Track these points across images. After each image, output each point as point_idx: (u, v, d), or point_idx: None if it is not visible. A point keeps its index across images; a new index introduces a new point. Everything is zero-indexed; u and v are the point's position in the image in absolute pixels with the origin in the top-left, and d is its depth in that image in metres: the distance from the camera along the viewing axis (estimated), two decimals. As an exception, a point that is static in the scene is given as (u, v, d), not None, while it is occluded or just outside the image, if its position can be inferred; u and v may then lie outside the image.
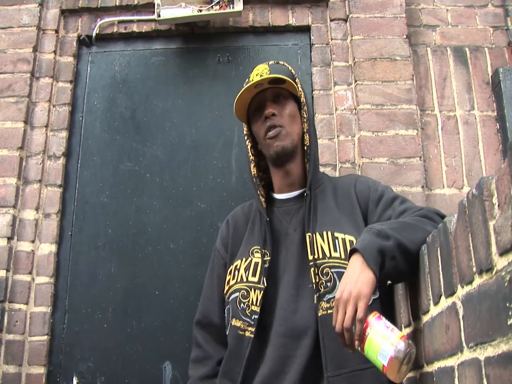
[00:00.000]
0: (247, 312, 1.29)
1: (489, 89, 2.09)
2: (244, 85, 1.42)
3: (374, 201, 1.35)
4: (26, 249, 1.95)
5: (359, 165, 1.95)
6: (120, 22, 2.25)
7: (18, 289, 1.91)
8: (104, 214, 2.05)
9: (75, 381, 1.85)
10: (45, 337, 1.89)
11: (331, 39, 2.15)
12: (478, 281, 0.75)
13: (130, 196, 2.07)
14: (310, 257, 1.28)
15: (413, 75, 2.03)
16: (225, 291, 1.40)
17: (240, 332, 1.29)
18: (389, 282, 1.25)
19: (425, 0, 2.22)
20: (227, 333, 1.36)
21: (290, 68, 1.47)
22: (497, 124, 2.04)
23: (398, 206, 1.30)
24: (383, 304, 1.24)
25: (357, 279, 1.02)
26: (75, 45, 2.23)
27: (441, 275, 0.92)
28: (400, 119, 1.97)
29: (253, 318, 1.28)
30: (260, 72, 1.40)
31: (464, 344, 0.81)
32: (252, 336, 1.27)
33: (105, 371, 1.87)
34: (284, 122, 1.39)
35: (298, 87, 1.42)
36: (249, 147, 1.48)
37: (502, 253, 0.67)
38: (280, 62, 1.49)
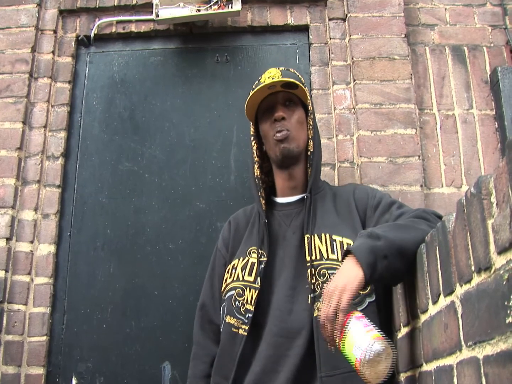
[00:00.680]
0: (241, 310, 1.31)
1: (488, 88, 2.09)
2: (253, 86, 1.46)
3: (372, 207, 1.37)
4: (25, 250, 1.95)
5: (357, 165, 1.95)
6: (118, 22, 2.25)
7: (17, 289, 1.90)
8: (103, 214, 2.05)
9: (74, 381, 1.85)
10: (44, 338, 1.88)
11: (330, 38, 2.15)
12: (476, 279, 0.75)
13: (129, 196, 2.06)
14: (308, 258, 1.29)
15: (411, 74, 2.03)
16: (222, 289, 1.42)
17: (234, 330, 1.31)
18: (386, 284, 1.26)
19: (424, -1, 2.22)
20: (221, 329, 1.37)
21: (300, 76, 1.51)
22: (496, 123, 2.04)
23: (395, 210, 1.32)
24: (380, 307, 1.25)
25: (345, 275, 1.04)
26: (73, 45, 2.23)
27: (439, 274, 0.92)
28: (399, 118, 1.97)
29: (247, 316, 1.30)
30: (272, 75, 1.44)
31: (463, 342, 0.81)
32: (246, 334, 1.28)
33: (104, 371, 1.87)
34: (292, 127, 1.43)
35: (308, 95, 1.46)
36: (254, 148, 1.50)
37: (500, 252, 0.67)
38: (290, 69, 1.52)
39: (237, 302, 1.33)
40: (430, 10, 2.21)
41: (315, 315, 1.23)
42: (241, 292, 1.33)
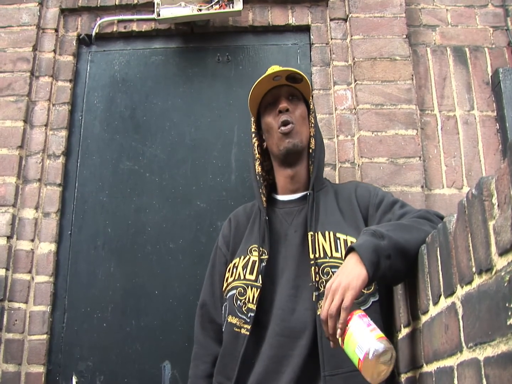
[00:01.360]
0: (243, 309, 1.30)
1: (489, 89, 2.09)
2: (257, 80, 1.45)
3: (374, 206, 1.36)
4: (26, 248, 1.95)
5: (358, 165, 1.95)
6: (119, 21, 2.25)
7: (17, 288, 1.91)
8: (104, 213, 2.05)
9: (74, 380, 1.85)
10: (45, 336, 1.88)
11: (331, 38, 2.15)
12: (477, 281, 0.75)
13: (130, 195, 2.06)
14: (311, 256, 1.28)
15: (412, 75, 2.03)
16: (223, 289, 1.41)
17: (236, 329, 1.30)
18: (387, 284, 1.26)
19: (425, 0, 2.22)
20: (223, 329, 1.36)
21: (303, 74, 1.51)
22: (497, 124, 2.04)
23: (397, 210, 1.31)
24: (383, 307, 1.24)
25: (349, 273, 1.03)
26: (74, 44, 2.23)
27: (440, 275, 0.92)
28: (400, 119, 1.97)
29: (249, 315, 1.28)
30: (276, 70, 1.44)
31: (463, 344, 0.81)
32: (248, 333, 1.27)
33: (105, 370, 1.87)
34: (296, 120, 1.43)
35: (310, 91, 1.48)
36: (256, 145, 1.49)
37: (501, 253, 0.67)
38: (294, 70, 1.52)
39: (238, 302, 1.32)
40: (432, 11, 2.21)
41: (318, 313, 1.22)
42: (242, 291, 1.32)
